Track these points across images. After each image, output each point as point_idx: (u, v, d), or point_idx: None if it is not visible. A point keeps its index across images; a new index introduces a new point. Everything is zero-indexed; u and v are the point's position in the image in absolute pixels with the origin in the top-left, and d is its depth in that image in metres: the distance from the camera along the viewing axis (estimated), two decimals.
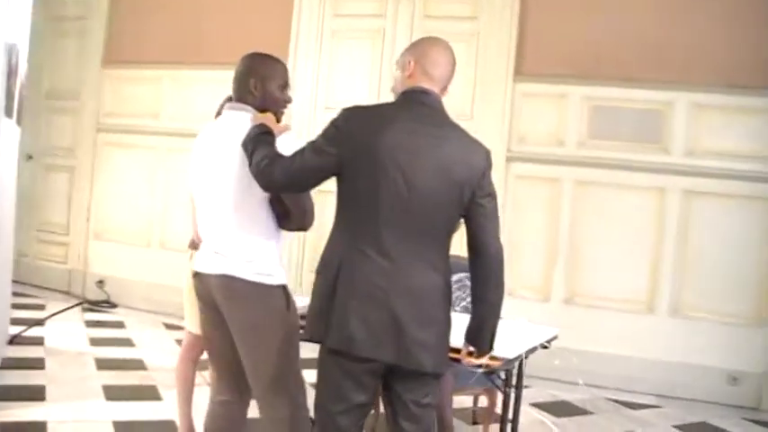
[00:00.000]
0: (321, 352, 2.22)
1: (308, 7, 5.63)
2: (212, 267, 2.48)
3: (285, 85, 2.60)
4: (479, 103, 5.19)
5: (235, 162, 2.40)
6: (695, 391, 4.76)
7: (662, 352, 4.84)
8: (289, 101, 2.62)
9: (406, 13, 5.43)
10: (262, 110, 2.51)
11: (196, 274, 2.57)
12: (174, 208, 6.00)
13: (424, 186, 2.12)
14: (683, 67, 4.79)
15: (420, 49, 2.30)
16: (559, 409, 4.43)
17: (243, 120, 2.46)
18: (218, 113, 2.79)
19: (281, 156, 2.24)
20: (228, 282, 2.43)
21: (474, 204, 2.17)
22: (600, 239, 4.99)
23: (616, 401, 4.66)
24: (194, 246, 3.20)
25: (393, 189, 2.11)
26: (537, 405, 4.41)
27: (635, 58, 4.85)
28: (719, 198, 4.79)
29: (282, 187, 2.30)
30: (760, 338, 4.74)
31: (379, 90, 5.45)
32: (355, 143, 2.13)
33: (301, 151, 2.20)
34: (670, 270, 4.88)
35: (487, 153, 2.23)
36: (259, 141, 2.30)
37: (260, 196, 2.41)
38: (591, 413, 4.39)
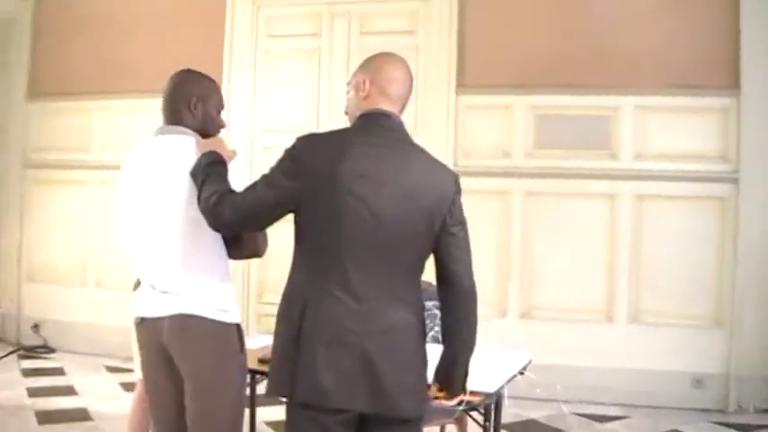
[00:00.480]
0: (289, 407, 1.99)
1: (241, 28, 5.42)
2: (163, 309, 2.24)
3: (220, 108, 2.38)
4: (422, 118, 5.05)
5: (181, 191, 2.18)
6: (661, 398, 4.68)
7: (624, 360, 4.75)
8: (224, 125, 2.40)
9: (342, 31, 5.27)
10: (202, 134, 2.28)
11: (141, 321, 2.32)
12: (110, 244, 5.70)
13: (390, 217, 1.93)
14: (627, 70, 4.74)
15: (374, 66, 2.10)
16: (531, 429, 4.29)
17: (185, 144, 2.23)
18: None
19: (231, 192, 2.03)
20: (184, 321, 2.20)
21: (444, 233, 1.99)
22: (553, 250, 4.89)
23: (583, 415, 4.54)
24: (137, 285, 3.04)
25: (358, 221, 1.92)
26: (506, 427, 4.24)
27: (578, 64, 4.79)
28: (671, 200, 4.75)
29: (233, 226, 2.10)
30: (721, 339, 4.70)
31: (317, 111, 5.29)
32: (314, 174, 1.94)
33: (253, 186, 2.00)
34: (626, 276, 4.81)
35: (456, 177, 2.05)
36: (210, 173, 2.10)
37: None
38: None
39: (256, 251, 2.28)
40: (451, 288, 2.02)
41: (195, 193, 2.10)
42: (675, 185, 4.71)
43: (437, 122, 5.01)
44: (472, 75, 4.98)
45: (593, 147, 4.82)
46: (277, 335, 2.01)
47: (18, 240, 6.16)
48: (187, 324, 2.19)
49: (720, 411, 4.64)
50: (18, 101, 6.15)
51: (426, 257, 2.02)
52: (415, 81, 5.34)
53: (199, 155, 2.18)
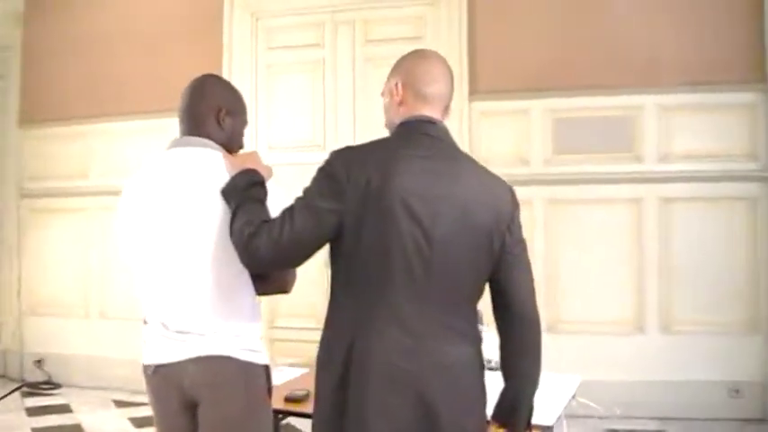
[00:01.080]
0: None
1: (239, 42, 5.19)
2: (183, 351, 1.94)
3: (245, 126, 2.14)
4: None
5: (207, 213, 1.89)
6: (698, 409, 4.44)
7: (657, 372, 4.51)
8: (243, 146, 2.15)
9: (346, 39, 5.06)
10: (228, 150, 2.02)
11: (155, 370, 2.00)
12: (112, 272, 5.48)
13: (446, 239, 1.71)
14: (646, 68, 4.53)
15: (404, 67, 1.88)
16: None
17: (211, 158, 1.96)
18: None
19: (267, 223, 1.76)
20: (214, 364, 1.92)
21: (504, 255, 1.77)
22: (578, 260, 4.65)
23: None
24: None
25: (410, 245, 1.69)
26: None
27: (595, 63, 4.57)
28: (699, 202, 4.52)
29: (270, 266, 1.84)
30: (757, 345, 4.46)
31: (324, 125, 5.06)
32: (359, 194, 1.69)
33: (289, 216, 1.73)
34: (655, 284, 4.57)
35: (512, 191, 1.84)
36: (246, 197, 1.83)
37: (235, 254, 1.90)
38: None
39: (284, 287, 2.03)
40: (512, 316, 1.80)
41: (226, 215, 1.86)
42: (703, 186, 4.49)
43: (451, 131, 4.75)
44: (484, 80, 4.76)
45: (615, 150, 4.59)
46: (319, 383, 1.77)
47: (17, 273, 5.92)
48: (217, 367, 1.94)
49: (760, 420, 4.40)
50: (11, 128, 5.92)
51: (484, 283, 1.80)
52: None
53: (229, 171, 1.90)
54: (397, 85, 1.85)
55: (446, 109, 1.87)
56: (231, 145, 2.06)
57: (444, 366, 1.70)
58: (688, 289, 4.52)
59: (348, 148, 1.80)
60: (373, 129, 4.83)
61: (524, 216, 4.77)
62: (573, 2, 4.66)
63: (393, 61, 5.03)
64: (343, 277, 1.75)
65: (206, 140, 2.00)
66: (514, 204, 1.82)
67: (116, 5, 5.52)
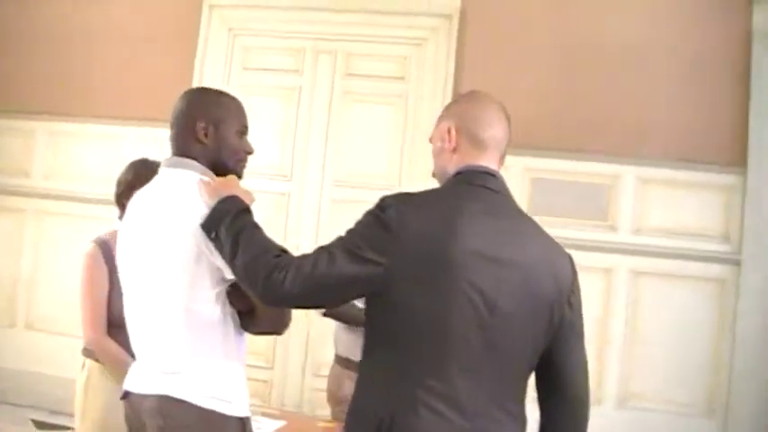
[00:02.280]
0: None
1: (213, 57, 4.95)
2: (146, 386, 1.83)
3: (244, 131, 1.96)
4: (409, 172, 4.67)
5: (177, 241, 1.77)
6: None
7: None
8: (250, 151, 1.98)
9: (327, 69, 4.86)
10: (215, 167, 1.86)
11: (125, 395, 1.92)
12: (44, 282, 5.15)
13: (508, 308, 1.54)
14: (630, 138, 4.47)
15: (458, 110, 1.74)
16: None
17: (184, 182, 1.82)
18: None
19: (289, 255, 1.60)
20: (168, 405, 1.77)
21: (562, 330, 1.62)
22: None
23: None
24: (88, 353, 2.61)
25: (470, 313, 1.52)
26: None
27: (580, 127, 4.49)
28: (669, 279, 4.44)
29: (293, 301, 1.65)
30: (712, 429, 4.36)
31: (292, 155, 4.83)
32: (416, 250, 1.52)
33: (327, 253, 1.56)
34: (617, 357, 4.46)
35: (571, 258, 1.70)
36: (243, 228, 1.66)
37: (215, 288, 1.78)
38: None
39: (278, 327, 1.85)
40: (565, 398, 1.66)
41: (196, 246, 1.74)
42: (674, 263, 4.42)
43: (426, 178, 4.52)
44: None
45: (591, 217, 4.50)
46: None
47: None
48: (171, 410, 1.76)
49: None
50: None
51: (537, 360, 1.64)
52: (401, 131, 5.00)
53: (204, 197, 1.74)
54: (450, 129, 1.71)
55: (502, 158, 1.73)
56: (223, 161, 1.90)
57: None
58: (649, 365, 4.43)
59: (404, 196, 1.64)
60: (344, 164, 4.70)
61: None
62: (565, 62, 4.58)
63: (372, 97, 4.86)
64: (385, 339, 1.57)
65: (187, 161, 1.87)
66: (574, 273, 1.68)
67: (89, 4, 5.20)
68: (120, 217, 2.77)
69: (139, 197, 1.95)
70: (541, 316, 1.60)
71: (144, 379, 1.85)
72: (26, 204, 5.29)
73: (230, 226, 1.66)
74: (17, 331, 5.27)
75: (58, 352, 4.87)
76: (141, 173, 2.68)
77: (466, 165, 1.68)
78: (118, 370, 2.48)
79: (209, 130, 1.88)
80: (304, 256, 1.58)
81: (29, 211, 5.29)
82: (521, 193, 4.57)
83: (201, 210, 1.76)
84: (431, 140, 1.80)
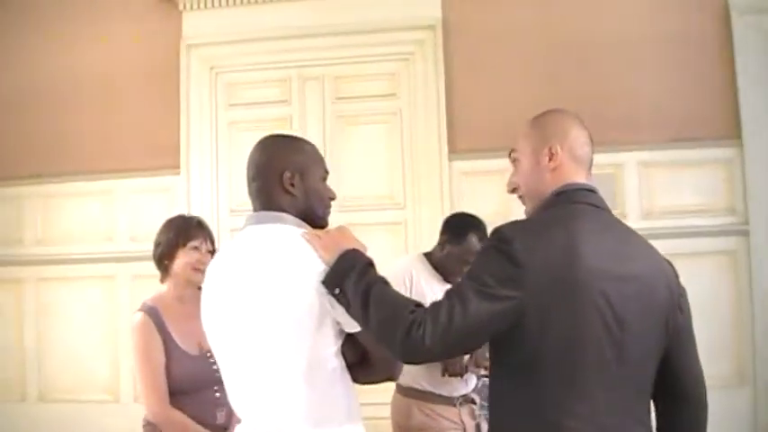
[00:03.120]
0: None
1: (197, 98, 4.88)
2: None
3: (326, 175, 1.92)
4: (412, 188, 4.66)
5: (297, 299, 1.68)
6: None
7: None
8: (334, 197, 1.92)
9: (315, 96, 4.84)
10: (304, 217, 1.83)
11: None
12: (52, 351, 4.98)
13: (633, 322, 1.55)
14: (627, 126, 4.51)
15: (558, 128, 1.72)
16: None
17: (286, 236, 1.75)
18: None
19: (422, 308, 1.56)
20: None
21: (677, 335, 1.65)
22: None
23: None
24: (152, 429, 2.50)
25: (603, 331, 1.53)
26: None
27: None
28: (682, 258, 4.41)
29: (434, 357, 1.64)
30: (746, 398, 4.44)
31: None
32: (544, 279, 1.51)
33: (459, 299, 1.52)
34: None
35: (671, 263, 1.71)
36: (371, 282, 1.62)
37: (337, 343, 1.72)
38: None
39: (394, 372, 1.79)
40: (685, 401, 1.68)
41: (315, 302, 1.66)
42: (685, 242, 4.46)
43: (429, 192, 4.62)
44: (464, 139, 4.64)
45: None
46: None
47: None
48: None
49: None
50: None
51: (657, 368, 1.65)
52: (399, 148, 5.00)
53: (319, 252, 1.71)
54: (553, 148, 1.68)
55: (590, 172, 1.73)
56: (313, 209, 1.85)
57: None
58: None
59: (521, 226, 1.63)
60: (345, 188, 4.65)
61: None
62: (552, 60, 4.63)
63: (366, 117, 4.81)
64: (520, 370, 1.56)
65: (281, 215, 1.80)
66: (678, 277, 1.70)
67: (62, 55, 5.06)
68: (162, 279, 2.68)
69: (228, 258, 1.86)
70: (660, 325, 1.61)
71: None
72: (22, 273, 5.12)
73: (358, 282, 1.62)
74: (29, 405, 5.07)
75: (75, 421, 4.75)
76: (182, 230, 2.61)
77: (566, 183, 1.68)
78: None
79: (296, 179, 1.81)
80: (437, 307, 1.54)
81: (28, 281, 5.12)
82: None
83: (318, 265, 1.70)
84: (514, 161, 1.77)
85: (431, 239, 4.76)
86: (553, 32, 4.64)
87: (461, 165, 4.64)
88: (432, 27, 4.66)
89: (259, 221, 1.82)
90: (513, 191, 1.80)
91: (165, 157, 4.84)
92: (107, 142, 4.90)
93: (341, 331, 1.73)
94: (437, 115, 4.62)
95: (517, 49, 4.64)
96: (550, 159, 1.69)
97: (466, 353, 1.60)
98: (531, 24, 4.66)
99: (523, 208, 4.35)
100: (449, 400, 3.04)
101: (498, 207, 4.60)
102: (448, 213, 4.56)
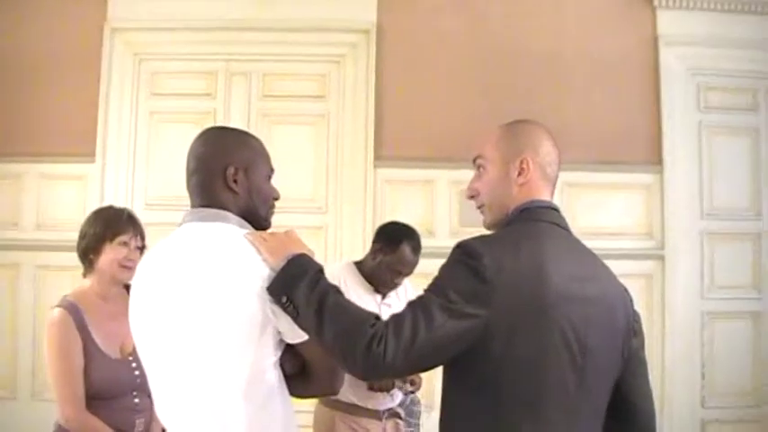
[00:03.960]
0: None
1: (119, 85, 4.68)
2: None
3: (271, 174, 1.80)
4: (335, 192, 4.59)
5: (238, 306, 1.56)
6: None
7: None
8: (278, 197, 1.81)
9: (241, 92, 4.71)
10: (246, 216, 1.70)
11: None
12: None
13: (596, 346, 1.52)
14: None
15: (530, 141, 1.66)
16: None
17: (228, 237, 1.63)
18: None
19: (382, 322, 1.47)
20: None
21: (631, 359, 1.62)
22: None
23: None
24: None
25: (566, 355, 1.48)
26: None
27: None
28: None
29: (395, 374, 1.62)
30: (659, 422, 4.47)
31: None
32: (511, 298, 1.45)
33: (423, 314, 1.44)
34: None
35: (626, 288, 1.70)
36: (324, 293, 1.52)
37: (276, 354, 1.61)
38: None
39: (334, 386, 1.69)
40: (635, 426, 1.64)
41: (257, 311, 1.55)
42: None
43: (353, 198, 4.56)
44: (391, 146, 4.60)
45: None
46: None
47: None
48: None
49: None
50: None
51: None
52: (324, 152, 4.91)
53: (264, 255, 1.59)
54: (526, 161, 1.62)
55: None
56: (256, 209, 1.74)
57: None
58: None
59: (488, 242, 1.56)
60: None
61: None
62: (483, 73, 4.64)
63: (292, 117, 4.65)
64: (479, 389, 1.50)
65: (222, 213, 1.68)
66: (632, 300, 1.67)
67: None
68: (85, 274, 2.51)
69: (163, 257, 1.72)
70: (617, 349, 1.59)
71: None
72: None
73: (310, 290, 1.52)
74: (20, 404, 4.64)
75: None
76: (111, 224, 2.45)
77: (531, 200, 1.62)
78: None
79: (240, 175, 1.69)
80: (400, 322, 1.46)
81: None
82: (450, 206, 4.60)
83: (262, 270, 1.59)
84: (480, 167, 1.69)
85: (351, 245, 4.73)
86: (486, 46, 4.65)
87: (386, 172, 4.60)
88: (366, 31, 4.62)
89: (200, 219, 1.69)
90: (472, 197, 1.73)
91: (80, 144, 4.62)
92: (19, 124, 4.65)
93: (280, 341, 1.63)
94: (365, 121, 4.56)
95: (449, 60, 4.64)
96: (520, 173, 1.63)
97: (426, 370, 1.51)
98: (465, 36, 4.66)
99: (442, 221, 4.29)
100: (374, 414, 3.00)
101: (421, 217, 4.58)
102: (370, 220, 4.53)
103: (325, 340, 1.51)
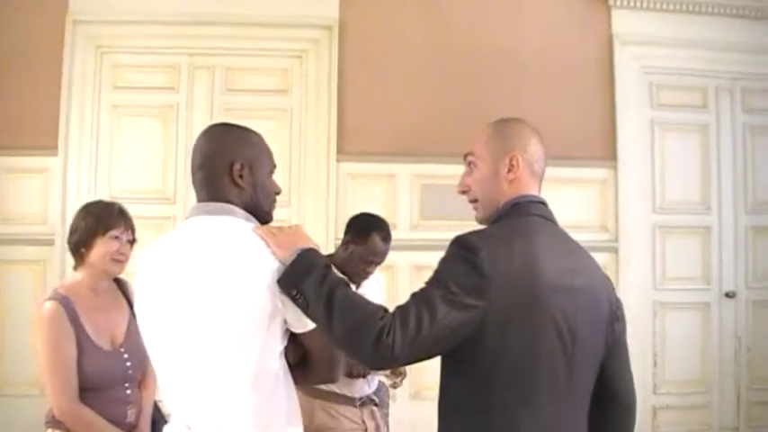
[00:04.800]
0: None
1: (81, 78, 4.67)
2: None
3: (274, 169, 1.86)
4: (297, 186, 4.67)
5: (247, 297, 1.62)
6: None
7: None
8: (279, 191, 1.87)
9: (204, 86, 4.74)
10: (251, 211, 1.75)
11: None
12: (10, 340, 4.53)
13: (584, 334, 1.61)
14: None
15: (519, 139, 1.73)
16: None
17: (236, 231, 1.69)
18: None
19: (389, 314, 1.54)
20: None
21: (614, 344, 1.71)
22: None
23: None
24: (56, 425, 2.36)
25: (557, 345, 1.57)
26: None
27: (463, 132, 4.48)
28: None
29: (404, 363, 1.63)
30: None
31: (175, 175, 4.65)
32: (506, 290, 1.54)
33: (426, 306, 1.52)
34: None
35: (609, 277, 1.80)
36: (334, 286, 1.59)
37: (282, 344, 1.67)
38: None
39: (334, 375, 1.77)
40: (618, 409, 1.75)
41: (267, 302, 1.61)
42: None
43: (316, 191, 4.64)
44: (353, 141, 4.68)
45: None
46: None
47: None
48: None
49: None
50: None
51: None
52: (288, 146, 4.96)
53: (272, 248, 1.65)
54: (515, 159, 1.69)
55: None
56: (260, 203, 1.78)
57: None
58: None
59: (484, 236, 1.65)
60: None
61: (388, 282, 4.62)
62: (443, 70, 4.74)
63: (255, 112, 4.70)
64: (473, 378, 1.59)
65: (229, 206, 1.73)
66: (614, 289, 1.77)
67: None
68: (76, 267, 2.53)
69: (171, 249, 1.76)
70: (602, 336, 1.67)
71: None
72: None
73: (320, 284, 1.58)
74: None
75: (34, 418, 4.39)
76: (103, 218, 2.47)
77: (520, 195, 1.70)
78: None
79: (245, 171, 1.74)
80: (405, 314, 1.53)
81: None
82: (411, 200, 4.71)
83: (271, 263, 1.64)
84: (470, 164, 1.76)
85: (314, 238, 4.76)
86: (446, 43, 4.76)
87: (349, 167, 4.68)
88: (328, 27, 4.68)
89: (207, 212, 1.73)
90: (464, 192, 1.80)
91: (42, 137, 4.61)
92: None
93: (287, 331, 1.69)
94: (327, 115, 4.64)
95: (410, 57, 4.73)
96: (510, 170, 1.70)
97: (428, 359, 1.58)
98: (426, 33, 4.76)
99: (404, 214, 4.35)
100: (351, 401, 3.06)
101: (383, 211, 4.64)
102: (333, 214, 4.61)
103: (334, 332, 1.58)
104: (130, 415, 2.44)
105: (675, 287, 4.92)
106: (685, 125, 4.94)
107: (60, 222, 4.45)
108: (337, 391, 3.02)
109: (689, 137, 4.95)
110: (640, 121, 4.83)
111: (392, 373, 3.15)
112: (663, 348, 4.87)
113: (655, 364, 4.85)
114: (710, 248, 4.96)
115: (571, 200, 4.70)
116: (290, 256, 1.62)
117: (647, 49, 4.83)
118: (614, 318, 1.71)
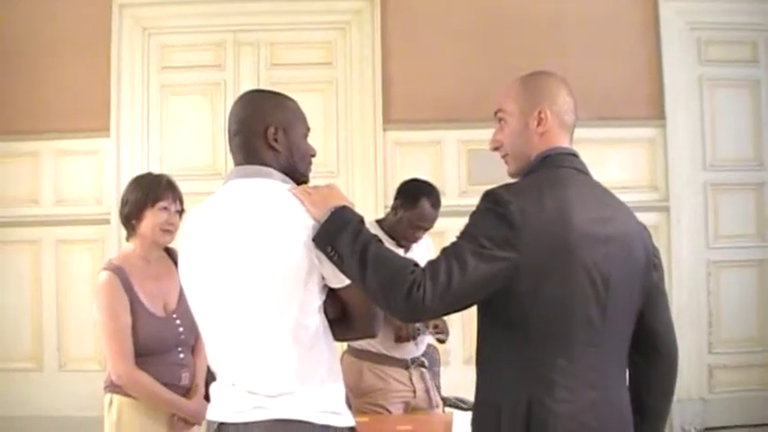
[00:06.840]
0: None
1: (129, 60, 4.84)
2: (251, 413, 1.69)
3: (308, 132, 1.90)
4: (345, 156, 4.77)
5: (285, 255, 1.67)
6: None
7: None
8: (315, 154, 1.91)
9: (250, 62, 4.87)
10: (287, 172, 1.80)
11: (219, 428, 1.74)
12: (71, 317, 4.74)
13: (617, 281, 1.63)
14: None
15: (547, 91, 1.74)
16: None
17: (273, 191, 1.74)
18: None
19: (420, 268, 1.58)
20: (282, 429, 1.67)
21: (652, 292, 1.73)
22: None
23: None
24: (114, 389, 2.47)
25: (591, 292, 1.60)
26: None
27: None
28: None
29: (433, 316, 1.73)
30: None
31: (225, 151, 4.69)
32: (538, 241, 1.57)
33: (456, 259, 1.55)
34: None
35: (646, 226, 1.82)
36: (366, 241, 1.63)
37: (321, 299, 1.72)
38: None
39: (374, 329, 1.82)
40: (659, 358, 1.77)
41: (304, 259, 1.66)
42: None
43: (363, 161, 4.76)
44: (398, 109, 4.76)
45: None
46: None
47: None
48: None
49: None
50: None
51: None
52: (334, 117, 5.02)
53: (312, 212, 1.69)
54: (543, 112, 1.71)
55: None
56: (295, 165, 1.83)
57: (623, 422, 1.68)
58: None
59: (514, 189, 1.66)
60: None
61: (437, 248, 4.60)
62: (485, 35, 4.78)
63: (300, 85, 4.73)
64: (510, 329, 1.63)
65: (266, 169, 1.78)
66: (651, 237, 1.79)
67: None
68: (128, 238, 2.62)
69: (212, 212, 1.82)
70: (638, 284, 1.69)
71: (244, 406, 1.71)
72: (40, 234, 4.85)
73: (353, 240, 1.63)
74: (47, 375, 4.80)
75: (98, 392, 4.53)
76: (151, 190, 2.55)
77: (551, 147, 1.72)
78: (153, 402, 2.45)
79: (279, 134, 1.79)
80: (436, 268, 1.56)
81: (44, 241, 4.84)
82: (458, 166, 4.75)
83: (306, 221, 1.70)
84: (501, 120, 1.78)
85: (362, 207, 4.82)
86: (488, 9, 4.79)
87: (395, 135, 4.76)
88: None
89: (245, 175, 1.79)
90: (496, 149, 1.82)
91: (94, 120, 4.79)
92: (35, 102, 4.81)
93: (324, 286, 1.74)
94: (372, 85, 4.72)
95: (453, 23, 4.77)
96: (539, 124, 1.71)
97: (461, 310, 1.63)
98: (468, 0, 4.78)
99: (451, 181, 4.37)
100: (401, 363, 3.12)
101: (430, 178, 4.69)
102: (381, 182, 4.67)
103: (368, 286, 1.62)
104: (184, 378, 2.54)
105: (729, 245, 4.88)
106: (734, 80, 4.88)
107: (115, 202, 4.54)
108: (386, 352, 3.09)
109: (738, 92, 4.90)
110: (688, 79, 4.80)
111: (434, 328, 3.16)
112: (718, 308, 4.86)
113: (710, 323, 4.85)
114: (764, 204, 4.92)
115: (619, 160, 4.73)
116: (324, 214, 1.67)
117: (692, 4, 4.78)
118: (651, 265, 1.73)
